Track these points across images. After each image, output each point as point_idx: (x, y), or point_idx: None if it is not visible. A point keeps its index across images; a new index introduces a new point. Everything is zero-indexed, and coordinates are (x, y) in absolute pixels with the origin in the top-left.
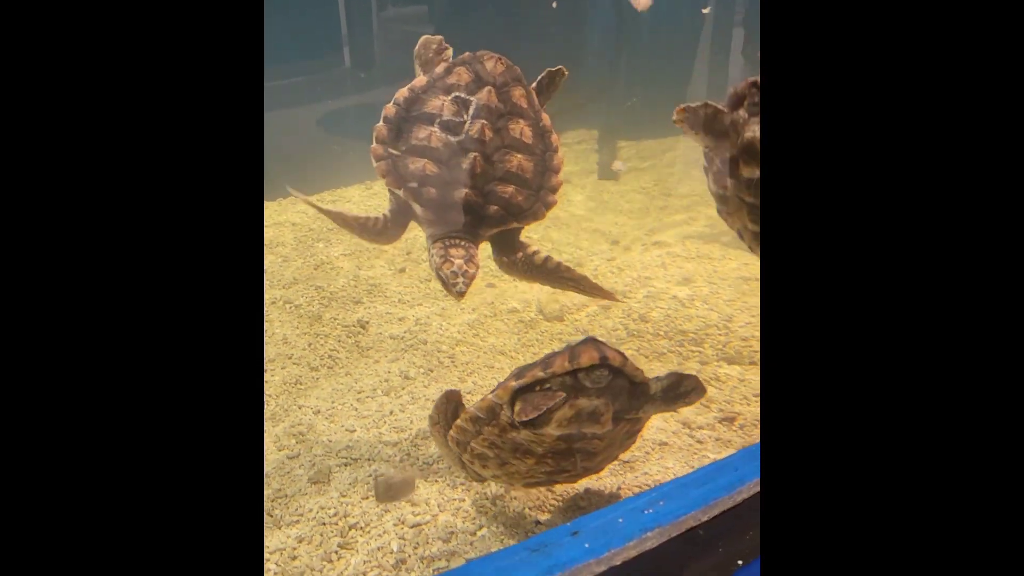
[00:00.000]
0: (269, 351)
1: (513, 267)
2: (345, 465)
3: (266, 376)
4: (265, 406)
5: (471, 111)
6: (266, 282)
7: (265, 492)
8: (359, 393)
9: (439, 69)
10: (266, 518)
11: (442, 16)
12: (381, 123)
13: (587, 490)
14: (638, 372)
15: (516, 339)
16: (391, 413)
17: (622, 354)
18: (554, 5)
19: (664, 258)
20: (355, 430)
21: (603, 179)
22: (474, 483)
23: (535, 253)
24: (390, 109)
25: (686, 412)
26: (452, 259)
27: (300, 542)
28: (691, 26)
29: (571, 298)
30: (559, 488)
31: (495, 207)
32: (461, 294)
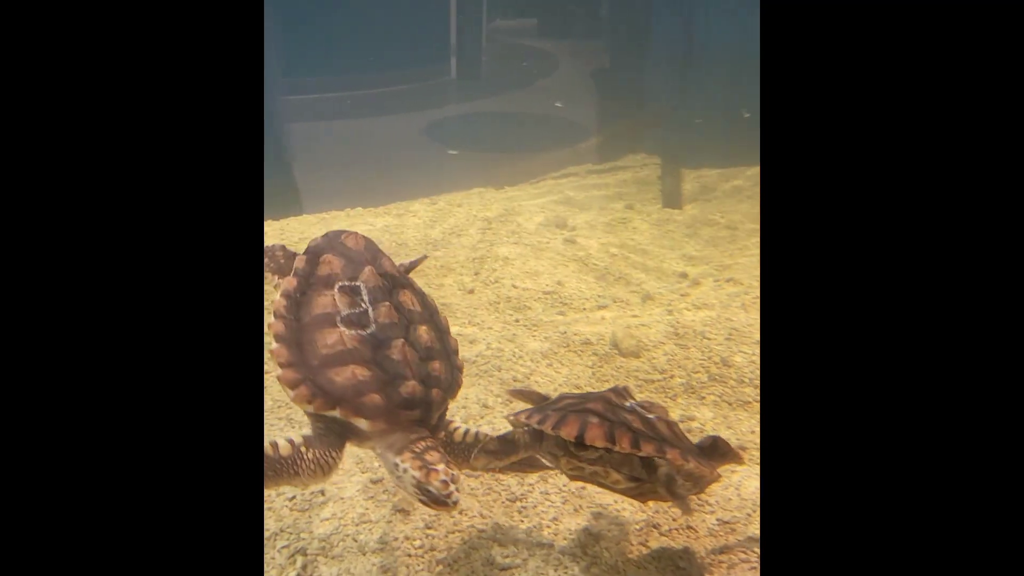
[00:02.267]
0: None
1: None
2: None
3: None
4: None
5: (365, 296)
6: None
7: (349, 515)
8: None
9: (302, 265)
10: (351, 543)
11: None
12: (275, 345)
13: (686, 549)
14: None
15: (591, 373)
16: None
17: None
18: None
19: (743, 297)
20: None
21: (667, 207)
22: (561, 527)
23: (455, 430)
24: (277, 326)
25: None
26: (434, 467)
27: (385, 572)
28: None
29: (647, 334)
30: (654, 543)
31: (436, 390)
32: (456, 503)
